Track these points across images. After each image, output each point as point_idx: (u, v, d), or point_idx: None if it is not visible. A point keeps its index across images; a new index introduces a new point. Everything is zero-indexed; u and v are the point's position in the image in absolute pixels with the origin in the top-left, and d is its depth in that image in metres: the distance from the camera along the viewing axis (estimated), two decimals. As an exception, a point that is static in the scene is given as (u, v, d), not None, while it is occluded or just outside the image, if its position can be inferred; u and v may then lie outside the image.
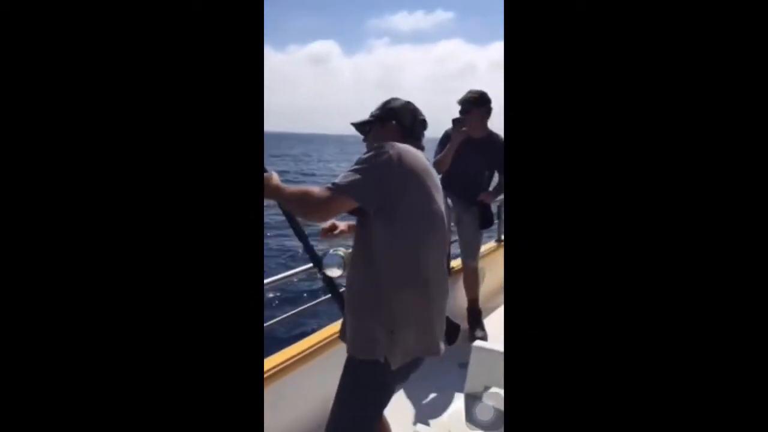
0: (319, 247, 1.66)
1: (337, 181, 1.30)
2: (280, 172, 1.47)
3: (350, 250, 1.48)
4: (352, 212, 1.35)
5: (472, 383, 1.95)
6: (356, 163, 1.32)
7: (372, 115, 1.51)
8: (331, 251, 1.57)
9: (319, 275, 1.60)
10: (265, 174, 1.45)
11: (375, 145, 1.34)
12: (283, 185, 1.42)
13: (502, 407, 1.81)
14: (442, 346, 1.41)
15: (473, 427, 1.78)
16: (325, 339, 2.08)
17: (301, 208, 1.39)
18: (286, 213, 1.51)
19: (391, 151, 1.30)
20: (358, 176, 1.29)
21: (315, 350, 2.06)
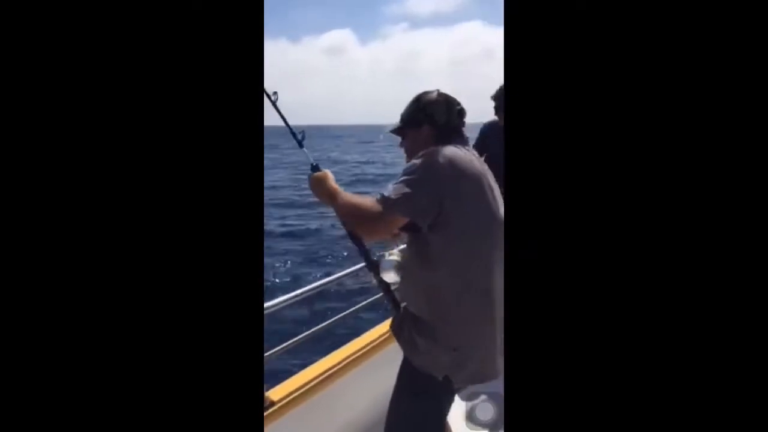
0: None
1: (387, 194, 1.19)
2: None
3: (405, 255, 1.39)
4: (404, 227, 1.25)
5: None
6: (405, 173, 1.21)
7: (403, 119, 1.39)
8: (386, 256, 1.51)
9: (374, 280, 1.54)
10: (317, 173, 1.37)
11: (423, 152, 1.23)
12: (340, 190, 1.32)
13: (502, 407, 1.81)
14: (501, 364, 1.29)
15: (473, 427, 1.78)
16: (380, 337, 2.06)
17: (352, 221, 1.31)
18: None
19: (441, 160, 1.19)
20: (408, 190, 1.18)
21: (369, 349, 2.02)
